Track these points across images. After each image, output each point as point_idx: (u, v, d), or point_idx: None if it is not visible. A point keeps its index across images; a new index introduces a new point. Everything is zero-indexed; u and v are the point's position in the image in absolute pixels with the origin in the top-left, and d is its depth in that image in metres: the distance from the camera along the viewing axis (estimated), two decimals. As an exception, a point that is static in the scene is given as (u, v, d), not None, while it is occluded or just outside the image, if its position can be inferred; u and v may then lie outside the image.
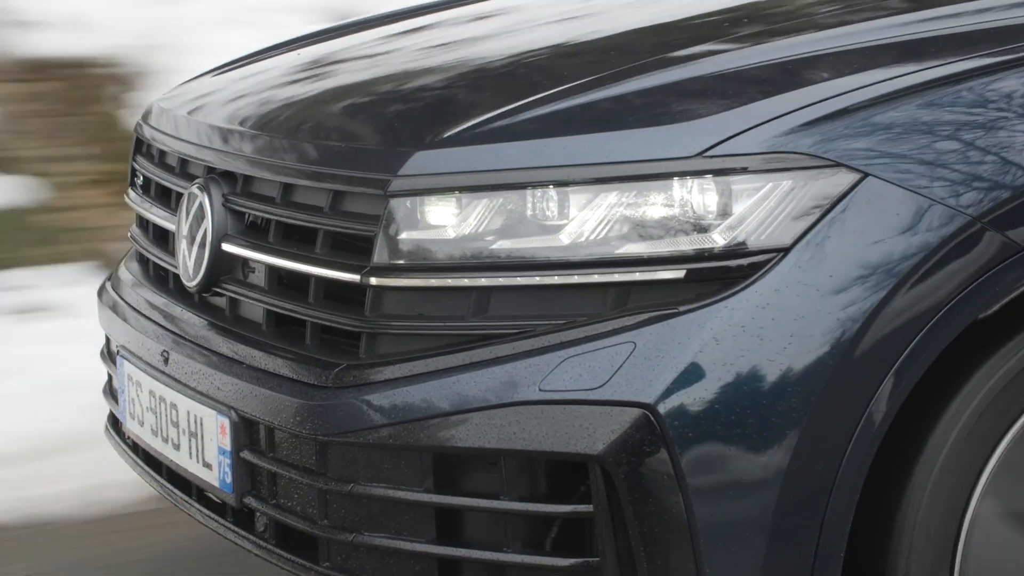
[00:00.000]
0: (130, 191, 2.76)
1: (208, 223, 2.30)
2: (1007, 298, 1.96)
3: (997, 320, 1.99)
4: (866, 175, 1.92)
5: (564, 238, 1.96)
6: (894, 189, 1.92)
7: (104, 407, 2.78)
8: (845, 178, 1.92)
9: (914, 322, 1.91)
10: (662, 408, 1.88)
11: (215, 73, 2.85)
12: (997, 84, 2.01)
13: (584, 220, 1.96)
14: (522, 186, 1.98)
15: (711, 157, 1.93)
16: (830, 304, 1.89)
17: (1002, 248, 1.93)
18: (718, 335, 1.89)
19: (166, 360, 2.37)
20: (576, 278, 1.96)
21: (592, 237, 1.96)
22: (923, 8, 2.24)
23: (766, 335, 1.89)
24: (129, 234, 2.76)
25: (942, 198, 1.92)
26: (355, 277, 2.04)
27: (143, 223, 2.69)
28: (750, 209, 1.92)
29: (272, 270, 2.22)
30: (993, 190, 1.94)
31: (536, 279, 1.97)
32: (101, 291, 2.76)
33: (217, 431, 2.23)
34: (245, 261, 2.29)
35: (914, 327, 1.91)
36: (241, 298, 2.30)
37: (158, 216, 2.57)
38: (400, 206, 2.01)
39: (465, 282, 2.00)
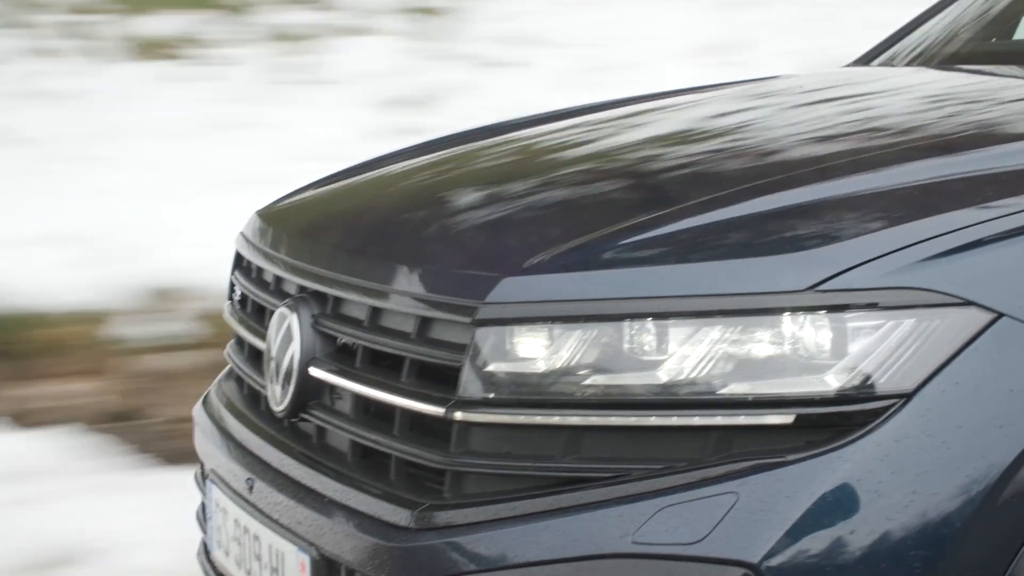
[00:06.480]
0: (227, 306, 2.68)
1: (296, 345, 2.20)
2: None
3: None
4: (1000, 315, 1.73)
5: (663, 375, 1.81)
6: None
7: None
8: (976, 318, 1.73)
9: None
10: (767, 568, 1.70)
11: (317, 186, 2.77)
12: None
13: (684, 356, 1.80)
14: (618, 318, 1.83)
15: (825, 292, 1.76)
16: (958, 458, 1.70)
17: None
18: (830, 489, 1.70)
19: (251, 488, 2.26)
20: (675, 420, 1.80)
21: (693, 375, 1.80)
22: None
23: (885, 490, 1.70)
24: (226, 351, 2.67)
25: None
26: (440, 410, 1.91)
27: (239, 341, 2.61)
28: (868, 349, 1.74)
29: (358, 398, 2.10)
30: None
31: (632, 419, 1.82)
32: (195, 410, 2.67)
33: (298, 568, 2.11)
34: (333, 387, 2.18)
35: None
36: (328, 426, 2.18)
37: (252, 334, 2.48)
38: (487, 335, 1.88)
39: (556, 420, 1.85)
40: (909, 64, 3.10)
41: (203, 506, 2.61)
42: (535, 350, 1.87)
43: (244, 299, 2.59)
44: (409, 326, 2.01)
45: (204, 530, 2.58)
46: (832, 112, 2.60)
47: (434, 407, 1.92)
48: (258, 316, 2.50)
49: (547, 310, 1.86)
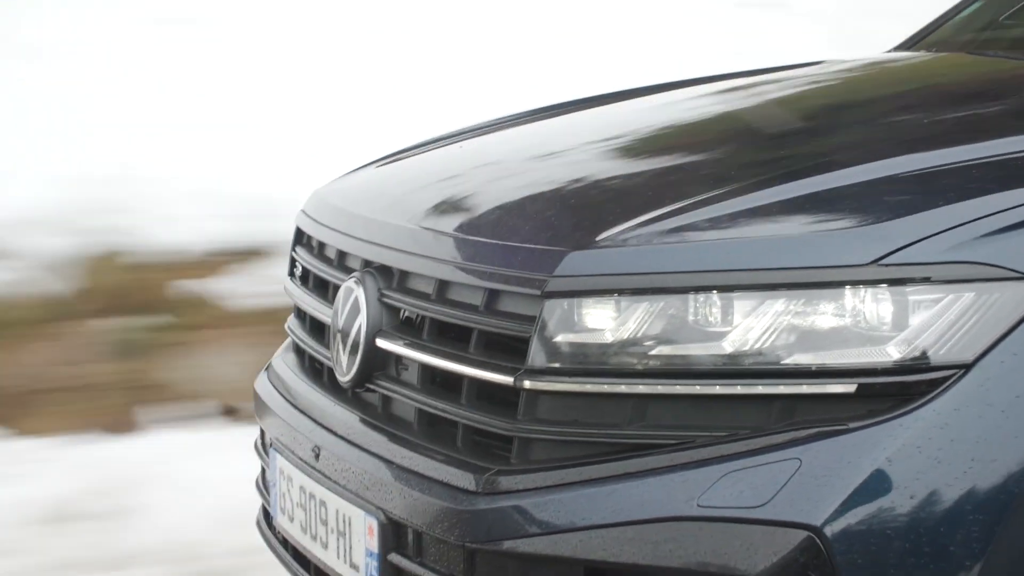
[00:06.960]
0: (288, 281, 2.76)
1: (362, 318, 2.27)
2: None
3: None
4: None
5: (727, 346, 1.87)
6: None
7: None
8: None
9: None
10: (829, 531, 1.76)
11: (378, 164, 2.83)
12: None
13: (749, 328, 1.86)
14: (684, 290, 1.89)
15: (886, 266, 1.82)
16: (1017, 427, 1.76)
17: None
18: (891, 455, 1.77)
19: (317, 456, 2.33)
20: (739, 389, 1.86)
21: (757, 346, 1.86)
22: None
23: (944, 457, 1.76)
24: (286, 325, 2.75)
25: None
26: (509, 379, 1.97)
27: (300, 314, 2.68)
28: (928, 322, 1.81)
29: (425, 368, 2.17)
30: None
31: (697, 388, 1.88)
32: (257, 381, 2.74)
33: (365, 532, 2.18)
34: (399, 358, 2.25)
35: None
36: (394, 395, 2.25)
37: (315, 308, 2.55)
38: (556, 307, 1.95)
39: (622, 388, 1.92)
40: (952, 49, 3.15)
41: (263, 473, 2.68)
42: (603, 321, 1.93)
43: (306, 274, 2.66)
44: (477, 299, 2.08)
45: (266, 498, 2.65)
46: (888, 93, 2.66)
47: (503, 376, 1.98)
48: (321, 290, 2.57)
49: (614, 283, 1.92)
